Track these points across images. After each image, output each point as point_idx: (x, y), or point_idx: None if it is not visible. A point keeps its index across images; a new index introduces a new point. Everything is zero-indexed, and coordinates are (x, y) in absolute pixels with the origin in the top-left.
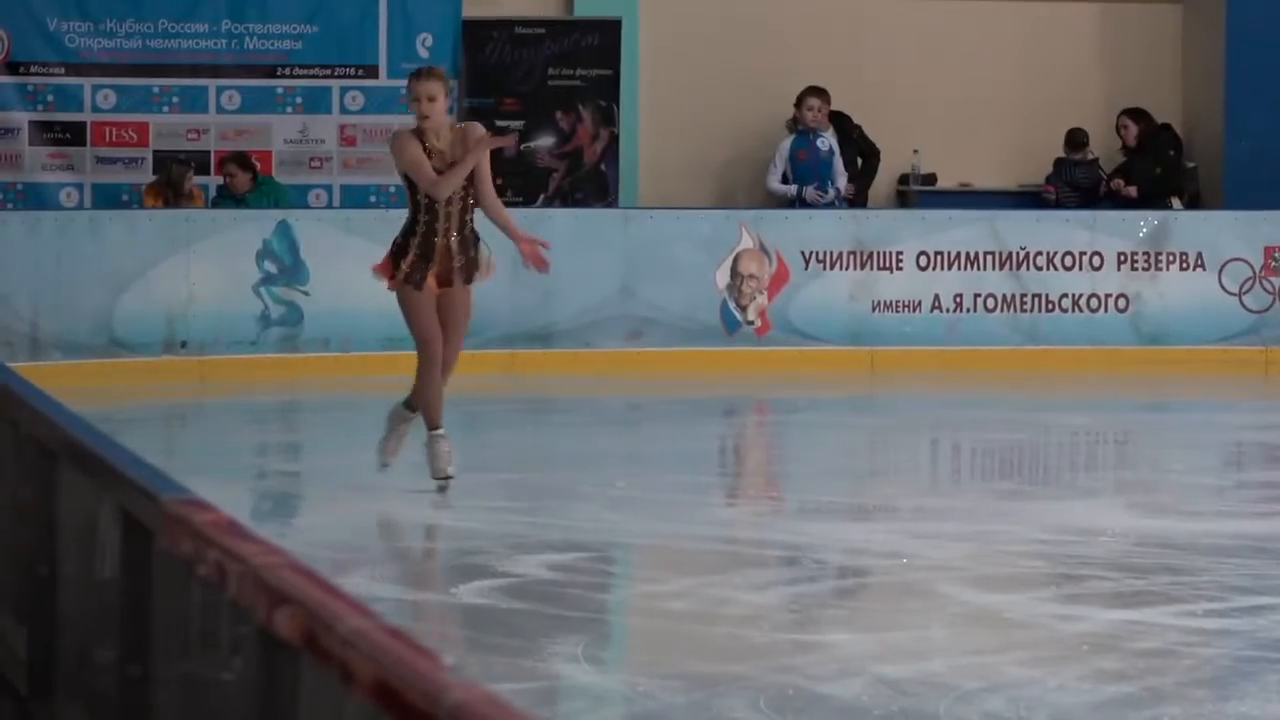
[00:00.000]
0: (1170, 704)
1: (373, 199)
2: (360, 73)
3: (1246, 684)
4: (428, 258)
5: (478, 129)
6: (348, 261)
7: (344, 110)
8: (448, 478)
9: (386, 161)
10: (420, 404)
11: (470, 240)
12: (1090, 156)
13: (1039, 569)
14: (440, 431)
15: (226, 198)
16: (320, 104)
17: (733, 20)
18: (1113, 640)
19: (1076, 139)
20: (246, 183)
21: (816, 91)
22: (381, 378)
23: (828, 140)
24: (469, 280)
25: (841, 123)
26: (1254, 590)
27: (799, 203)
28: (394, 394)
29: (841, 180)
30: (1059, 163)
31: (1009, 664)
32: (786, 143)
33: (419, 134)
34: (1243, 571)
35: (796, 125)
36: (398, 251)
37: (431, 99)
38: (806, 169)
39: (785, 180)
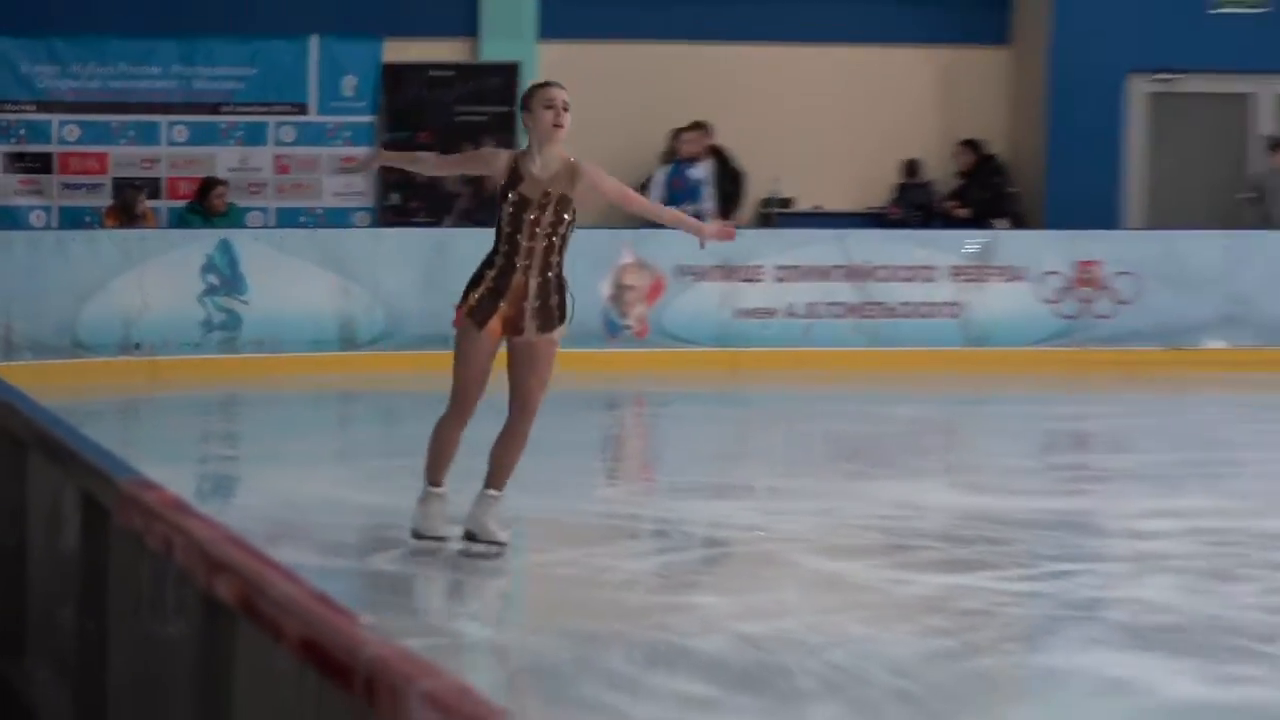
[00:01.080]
0: (987, 656)
1: (303, 220)
2: (293, 110)
3: (1053, 639)
4: (500, 294)
5: (591, 171)
6: (281, 274)
7: (278, 143)
8: (439, 539)
9: (316, 187)
10: (429, 452)
11: (552, 285)
12: (926, 181)
13: (877, 540)
14: (440, 491)
15: (199, 214)
16: (258, 137)
17: (617, 66)
18: (939, 601)
19: (914, 167)
20: (224, 205)
21: (695, 126)
22: (309, 376)
23: (700, 170)
24: (546, 329)
25: (720, 155)
26: (1061, 558)
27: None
28: (325, 390)
29: (708, 205)
30: (900, 187)
31: (851, 622)
32: (663, 171)
33: (519, 158)
34: (1051, 541)
35: (673, 156)
36: (472, 282)
37: (567, 108)
38: (680, 194)
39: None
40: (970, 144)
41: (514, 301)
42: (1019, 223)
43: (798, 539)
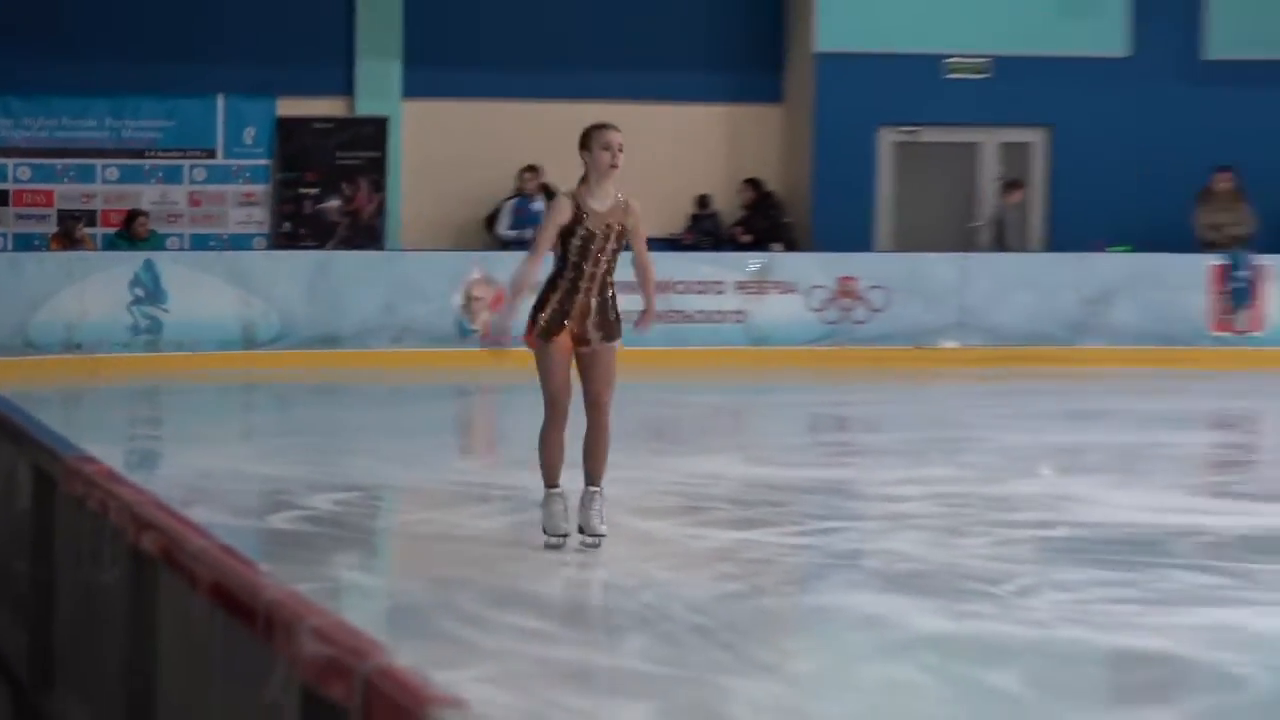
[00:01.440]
0: (768, 597)
1: (212, 244)
2: (204, 155)
3: (821, 583)
4: (566, 314)
5: (638, 214)
6: (195, 288)
7: (192, 182)
8: (563, 535)
9: (223, 217)
10: (540, 459)
11: (609, 303)
12: (714, 212)
13: (678, 503)
14: (558, 490)
15: (126, 240)
16: (175, 177)
17: (467, 119)
18: (729, 552)
19: (705, 201)
20: (147, 231)
21: (530, 169)
22: (218, 370)
23: (540, 203)
24: (609, 339)
25: (549, 191)
26: (827, 517)
27: (516, 245)
28: (231, 383)
29: None
30: (694, 217)
31: (657, 569)
32: (510, 203)
33: (578, 195)
34: (819, 504)
35: (520, 192)
36: (539, 305)
37: (622, 149)
38: (524, 220)
39: (509, 230)
40: (752, 182)
41: (579, 319)
42: (791, 246)
43: (614, 503)
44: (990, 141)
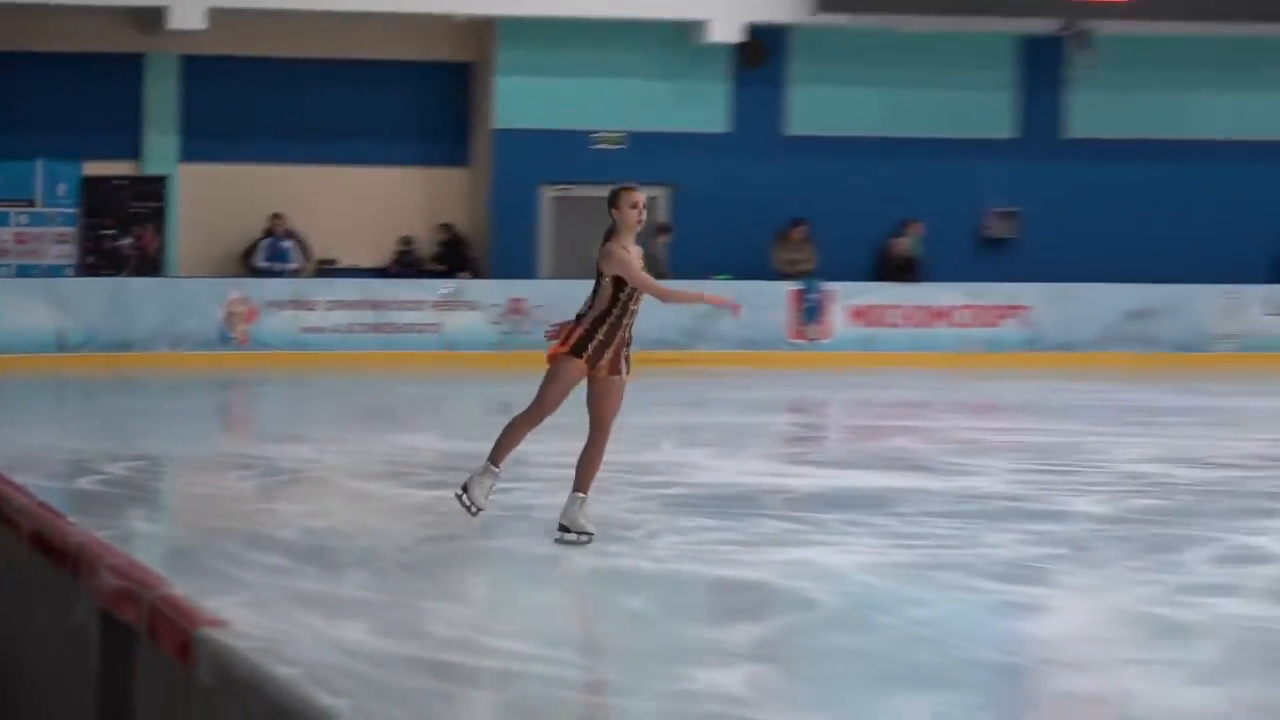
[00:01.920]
0: (460, 541)
1: (34, 273)
2: (26, 204)
3: (500, 530)
4: (608, 345)
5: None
6: (20, 305)
7: (17, 225)
8: (479, 509)
9: (43, 251)
10: (501, 440)
11: (630, 341)
12: (414, 248)
13: (389, 469)
14: (497, 470)
15: None
16: (4, 221)
17: (230, 177)
18: (428, 507)
19: (407, 240)
20: None
21: (277, 215)
22: (38, 369)
23: (288, 242)
24: (616, 373)
25: (293, 234)
26: (505, 480)
27: (268, 273)
28: (46, 379)
29: (294, 264)
30: (400, 253)
31: (373, 519)
32: (263, 241)
33: (623, 246)
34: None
35: (270, 233)
36: (586, 334)
37: (647, 206)
38: (277, 256)
39: (263, 261)
40: (445, 226)
41: (615, 352)
42: (475, 274)
43: (339, 469)
44: None
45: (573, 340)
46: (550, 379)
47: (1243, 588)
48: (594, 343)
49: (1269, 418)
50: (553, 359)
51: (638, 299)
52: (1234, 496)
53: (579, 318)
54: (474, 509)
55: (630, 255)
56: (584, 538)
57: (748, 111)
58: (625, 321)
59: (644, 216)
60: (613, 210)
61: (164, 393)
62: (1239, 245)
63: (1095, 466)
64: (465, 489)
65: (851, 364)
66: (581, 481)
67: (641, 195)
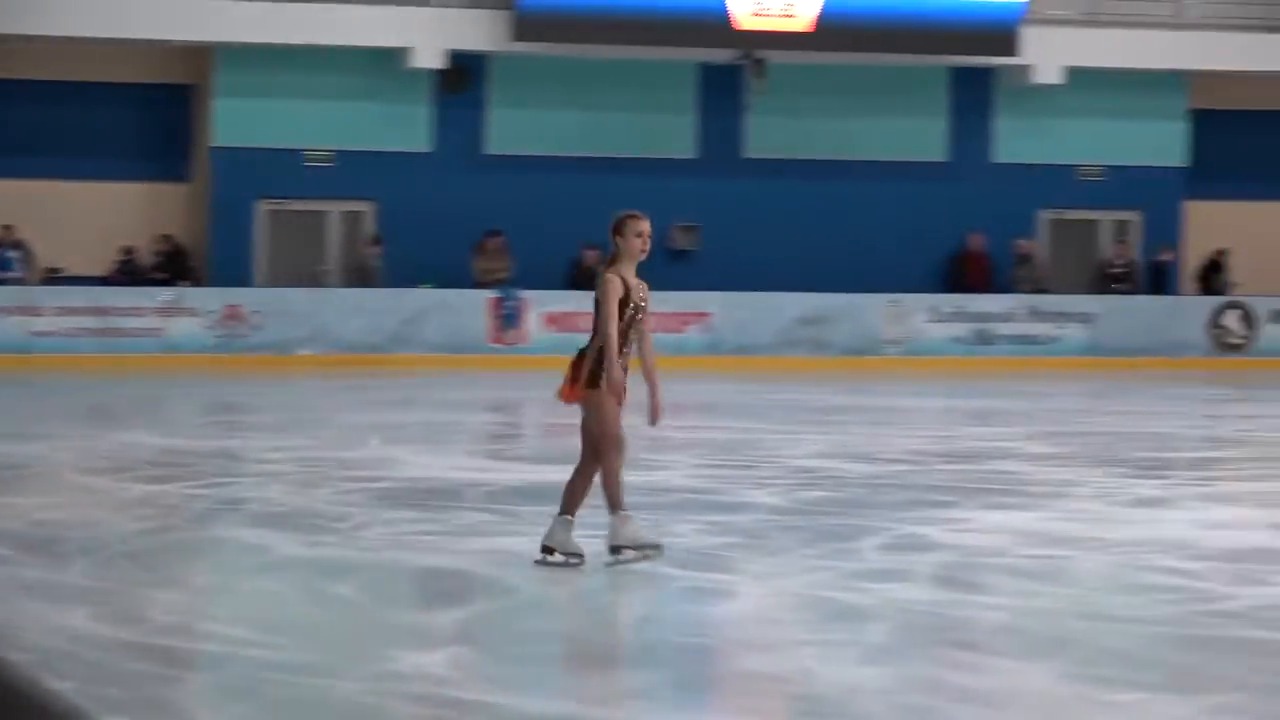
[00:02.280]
0: (177, 532)
1: None
2: None
3: (215, 522)
4: (625, 370)
5: (647, 288)
6: None
7: None
8: (655, 546)
9: None
10: (616, 492)
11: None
12: (135, 257)
13: (111, 464)
14: (630, 513)
15: None
16: None
17: None
18: (148, 500)
19: (129, 250)
20: None
21: (6, 226)
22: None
23: (14, 252)
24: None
25: (21, 243)
26: (219, 475)
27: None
28: None
29: (19, 272)
30: (123, 262)
31: (96, 512)
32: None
33: (621, 274)
34: (213, 465)
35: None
36: (596, 365)
37: (652, 235)
38: (1, 264)
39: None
40: (167, 237)
41: (621, 379)
42: (196, 282)
43: (65, 465)
44: (335, 210)
45: (584, 378)
46: (594, 421)
47: (909, 573)
48: (615, 373)
49: (932, 417)
50: (575, 402)
51: (640, 325)
52: (901, 489)
53: (582, 352)
54: (577, 557)
55: (617, 286)
56: (575, 560)
57: (449, 132)
58: (627, 351)
59: (649, 246)
60: (616, 237)
61: (30, 394)
62: (903, 257)
63: (772, 461)
64: (550, 550)
65: (547, 367)
66: (569, 506)
67: (647, 224)
